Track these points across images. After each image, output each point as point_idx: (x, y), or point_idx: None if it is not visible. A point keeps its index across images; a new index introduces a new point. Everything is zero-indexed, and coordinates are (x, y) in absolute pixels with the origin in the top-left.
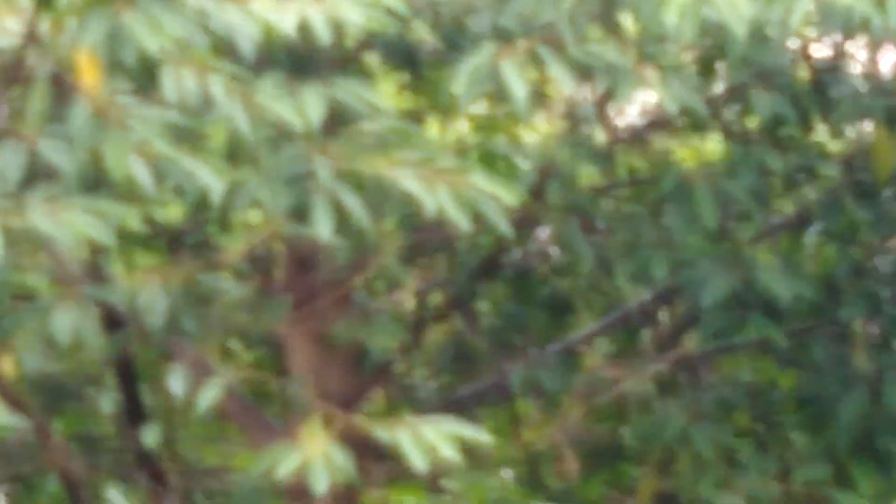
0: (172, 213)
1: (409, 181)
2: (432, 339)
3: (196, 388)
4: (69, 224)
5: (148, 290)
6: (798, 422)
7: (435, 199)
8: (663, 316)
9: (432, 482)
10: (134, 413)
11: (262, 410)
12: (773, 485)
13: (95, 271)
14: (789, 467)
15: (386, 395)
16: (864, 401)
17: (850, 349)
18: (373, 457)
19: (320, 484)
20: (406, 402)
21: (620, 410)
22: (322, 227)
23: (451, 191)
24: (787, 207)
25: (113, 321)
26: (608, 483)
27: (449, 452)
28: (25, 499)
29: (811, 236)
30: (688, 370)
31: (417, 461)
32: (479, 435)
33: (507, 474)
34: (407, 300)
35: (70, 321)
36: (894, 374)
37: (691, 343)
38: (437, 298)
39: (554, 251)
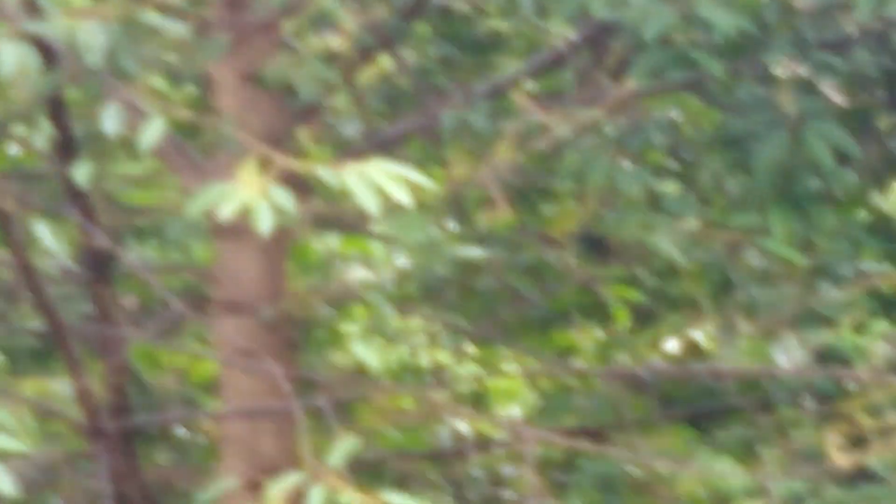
0: None
1: None
2: (361, 79)
3: (129, 127)
4: None
5: (87, 27)
6: (721, 164)
7: None
8: (590, 56)
9: (356, 228)
10: (66, 150)
11: (192, 149)
12: (695, 226)
13: (32, 7)
14: (711, 210)
15: (313, 134)
16: (784, 144)
17: (774, 91)
18: (302, 196)
19: (264, 224)
20: (332, 141)
21: (550, 153)
22: None
23: None
24: None
25: (46, 58)
26: (534, 223)
27: (399, 194)
28: None
29: None
30: (619, 112)
31: (368, 202)
32: (423, 179)
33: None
34: (336, 41)
35: (14, 55)
36: (817, 118)
37: (622, 84)
38: (365, 39)
39: None
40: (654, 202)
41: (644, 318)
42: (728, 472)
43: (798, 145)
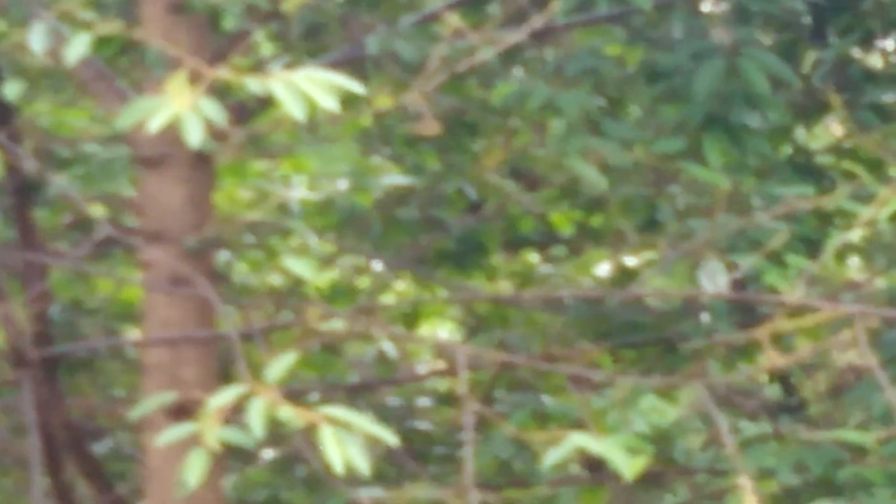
0: None
1: None
2: (287, 8)
3: (52, 54)
4: None
5: None
6: (652, 95)
7: None
8: None
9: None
10: None
11: (116, 77)
12: (629, 155)
13: None
14: (645, 139)
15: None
16: (719, 71)
17: (707, 22)
18: (233, 120)
19: (193, 136)
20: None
21: (478, 86)
22: None
23: None
24: None
25: None
26: (460, 158)
27: (326, 101)
28: None
29: None
30: (545, 40)
31: (295, 110)
32: (353, 85)
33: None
34: None
35: None
36: (751, 48)
37: (548, 15)
38: None
39: None
40: (593, 129)
41: (571, 246)
42: (653, 409)
43: (734, 73)
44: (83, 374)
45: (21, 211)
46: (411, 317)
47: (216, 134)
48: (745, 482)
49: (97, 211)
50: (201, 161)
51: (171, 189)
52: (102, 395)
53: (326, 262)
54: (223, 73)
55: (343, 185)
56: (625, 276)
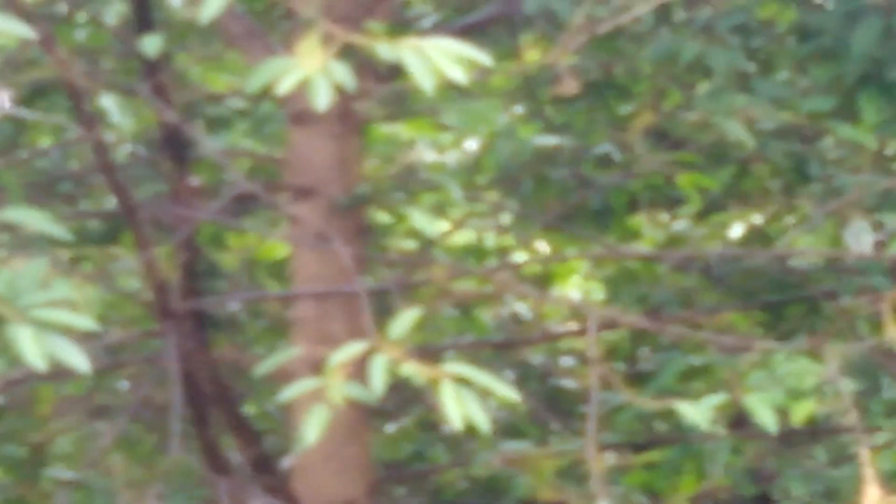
0: None
1: None
2: None
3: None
4: None
5: None
6: (807, 54)
7: None
8: None
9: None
10: (142, 25)
11: (267, 35)
12: (778, 113)
13: None
14: (797, 97)
15: (390, 21)
16: (876, 33)
17: None
18: (374, 78)
19: (321, 99)
20: (409, 29)
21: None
22: None
23: None
24: None
25: None
26: (608, 119)
27: (455, 73)
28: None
29: None
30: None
31: (424, 80)
32: (481, 56)
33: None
34: None
35: None
36: None
37: None
38: None
39: None
40: (742, 87)
41: (714, 207)
42: (802, 369)
43: (889, 32)
44: (228, 330)
45: (171, 164)
46: (549, 276)
47: (362, 92)
48: (863, 443)
49: (244, 167)
50: (350, 118)
51: (319, 145)
52: (247, 349)
53: (465, 221)
54: (355, 36)
55: (488, 144)
56: (761, 237)
